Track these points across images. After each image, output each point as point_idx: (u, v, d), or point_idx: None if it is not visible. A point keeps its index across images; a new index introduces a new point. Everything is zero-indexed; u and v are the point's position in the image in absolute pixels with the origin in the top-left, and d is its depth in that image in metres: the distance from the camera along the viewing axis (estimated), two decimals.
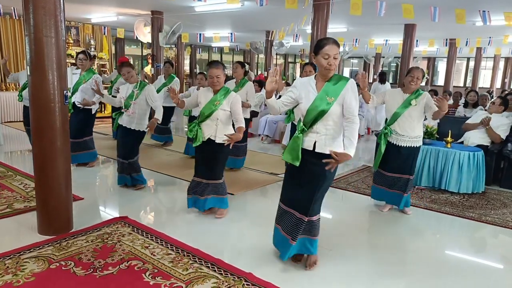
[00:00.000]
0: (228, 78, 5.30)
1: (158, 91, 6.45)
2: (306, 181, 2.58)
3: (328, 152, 2.43)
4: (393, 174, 3.86)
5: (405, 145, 3.75)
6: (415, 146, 3.76)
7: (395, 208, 4.02)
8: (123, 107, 4.15)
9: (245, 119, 5.11)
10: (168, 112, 6.52)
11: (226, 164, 5.12)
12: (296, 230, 2.63)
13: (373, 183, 4.11)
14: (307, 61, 7.04)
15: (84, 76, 4.94)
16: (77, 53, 5.12)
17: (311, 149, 2.53)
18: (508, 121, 5.19)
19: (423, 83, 4.06)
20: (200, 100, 3.48)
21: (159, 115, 4.09)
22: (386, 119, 3.93)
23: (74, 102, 4.88)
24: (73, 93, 4.93)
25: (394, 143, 3.80)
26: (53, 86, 2.93)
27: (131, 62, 7.49)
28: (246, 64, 5.36)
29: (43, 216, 3.12)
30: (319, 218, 2.72)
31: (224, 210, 3.65)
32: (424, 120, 3.99)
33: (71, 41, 10.58)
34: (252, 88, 5.20)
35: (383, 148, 3.85)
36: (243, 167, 5.38)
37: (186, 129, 3.44)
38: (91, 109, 5.03)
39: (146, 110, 4.17)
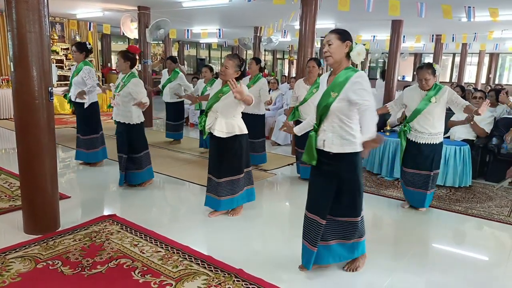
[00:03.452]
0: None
1: (163, 87, 6.48)
2: (325, 183, 2.49)
3: (335, 152, 2.38)
4: (413, 170, 3.77)
5: (424, 142, 3.66)
6: (435, 142, 3.67)
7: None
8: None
9: (259, 115, 5.09)
10: (177, 108, 6.52)
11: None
12: (315, 234, 2.52)
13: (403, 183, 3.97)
14: (295, 57, 6.99)
15: (77, 69, 4.77)
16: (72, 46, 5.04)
17: (322, 148, 2.45)
18: (492, 115, 5.29)
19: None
20: (211, 92, 3.45)
21: (144, 100, 3.92)
22: (406, 116, 3.84)
23: (71, 97, 4.78)
24: (70, 88, 4.82)
25: (414, 140, 3.71)
26: (37, 83, 2.87)
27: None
28: (260, 59, 5.26)
29: (29, 215, 3.06)
30: (359, 220, 2.56)
31: (238, 208, 3.61)
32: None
33: (56, 37, 10.40)
34: (266, 85, 5.06)
35: (403, 144, 3.78)
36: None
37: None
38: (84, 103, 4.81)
39: (132, 103, 3.99)
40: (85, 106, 4.80)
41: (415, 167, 3.77)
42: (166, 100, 6.48)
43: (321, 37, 12.91)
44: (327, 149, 2.43)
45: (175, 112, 6.57)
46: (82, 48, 4.80)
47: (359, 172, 2.49)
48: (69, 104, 5.12)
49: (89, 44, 4.98)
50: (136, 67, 4.19)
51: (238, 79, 3.31)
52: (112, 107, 4.17)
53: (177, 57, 7.12)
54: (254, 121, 5.09)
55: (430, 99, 3.55)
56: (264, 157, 5.29)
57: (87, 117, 4.90)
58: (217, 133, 3.30)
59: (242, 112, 3.45)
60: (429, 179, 3.74)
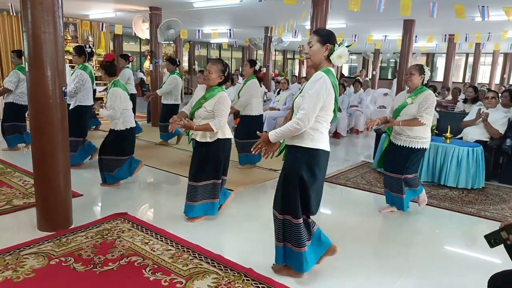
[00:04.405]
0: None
1: (161, 86, 6.53)
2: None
3: (292, 144, 2.40)
4: (388, 173, 3.75)
5: (402, 145, 3.59)
6: (413, 147, 3.54)
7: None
8: None
9: (253, 116, 5.10)
10: (170, 110, 6.33)
11: (241, 161, 5.19)
12: (276, 232, 2.53)
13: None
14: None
15: (74, 71, 4.84)
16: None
17: (285, 142, 2.51)
18: (506, 115, 5.20)
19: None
20: (194, 98, 3.38)
21: (103, 112, 4.04)
22: None
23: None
24: None
25: (393, 142, 3.69)
26: (51, 83, 2.93)
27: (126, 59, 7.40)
28: (256, 62, 5.22)
29: (43, 213, 3.12)
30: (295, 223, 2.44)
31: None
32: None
33: (69, 38, 10.54)
34: (253, 85, 5.02)
35: (384, 146, 3.79)
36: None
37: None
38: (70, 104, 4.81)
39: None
40: (70, 107, 4.79)
41: (390, 169, 3.72)
42: (162, 102, 6.46)
43: None
44: (287, 142, 2.47)
45: (166, 112, 6.29)
46: (81, 52, 4.82)
47: (302, 169, 2.34)
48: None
49: (90, 47, 4.97)
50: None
51: (222, 83, 3.27)
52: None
53: (177, 59, 6.96)
54: (249, 123, 5.10)
55: (407, 100, 3.54)
56: (259, 156, 5.26)
57: (72, 118, 4.76)
58: (200, 138, 3.24)
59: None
60: (400, 183, 3.67)
